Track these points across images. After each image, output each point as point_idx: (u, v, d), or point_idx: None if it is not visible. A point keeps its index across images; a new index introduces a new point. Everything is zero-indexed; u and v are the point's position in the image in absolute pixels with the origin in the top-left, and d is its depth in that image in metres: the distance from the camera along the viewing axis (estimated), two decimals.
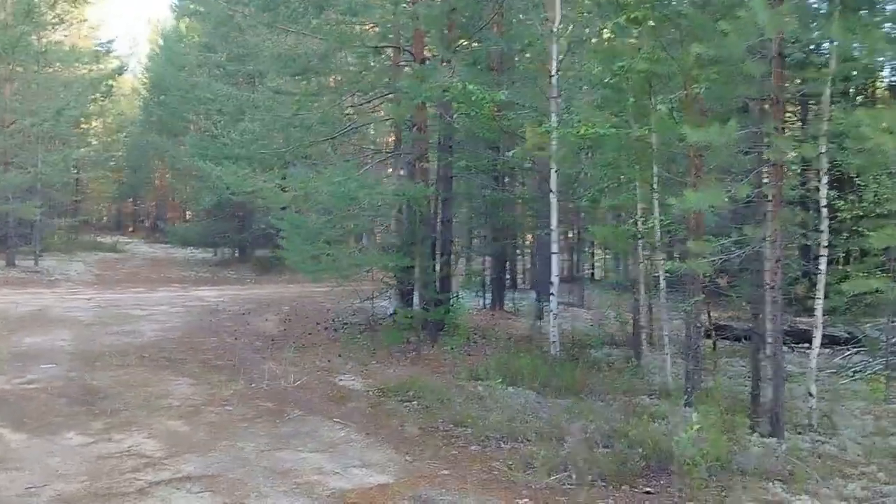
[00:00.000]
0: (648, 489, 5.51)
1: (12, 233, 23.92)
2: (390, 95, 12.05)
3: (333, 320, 13.86)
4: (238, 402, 8.00)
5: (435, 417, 7.49)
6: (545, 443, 6.38)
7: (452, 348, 10.85)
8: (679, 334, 9.51)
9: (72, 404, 7.65)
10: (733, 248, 6.83)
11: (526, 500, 5.29)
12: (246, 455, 6.14)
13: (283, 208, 11.97)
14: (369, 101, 12.73)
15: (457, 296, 13.02)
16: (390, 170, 14.22)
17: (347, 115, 12.38)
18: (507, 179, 16.47)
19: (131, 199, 52.94)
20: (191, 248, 34.84)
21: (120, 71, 33.73)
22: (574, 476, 5.64)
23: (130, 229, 52.98)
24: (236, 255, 32.45)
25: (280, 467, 5.86)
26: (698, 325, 8.71)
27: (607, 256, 22.57)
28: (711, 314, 8.78)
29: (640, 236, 8.63)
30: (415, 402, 8.15)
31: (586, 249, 21.84)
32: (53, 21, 25.18)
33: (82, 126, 36.00)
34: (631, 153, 8.18)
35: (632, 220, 9.10)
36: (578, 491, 5.44)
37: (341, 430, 7.03)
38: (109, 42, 42.09)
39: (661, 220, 8.17)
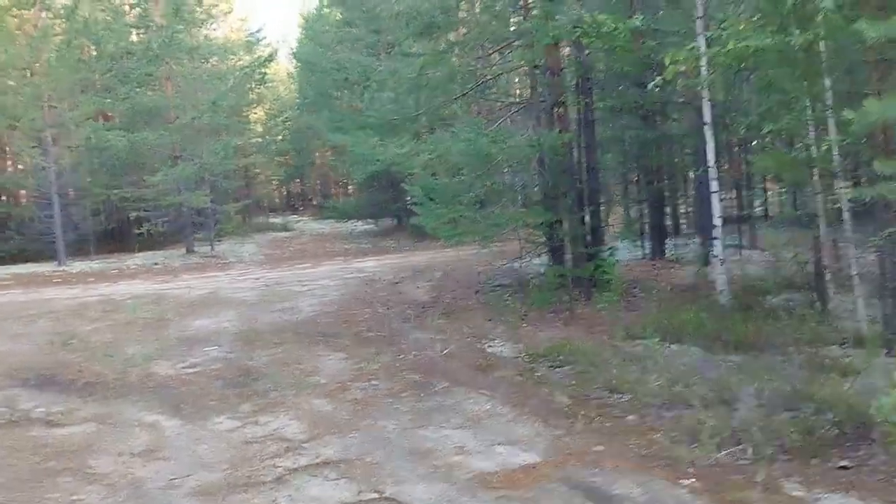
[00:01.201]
0: (844, 463, 4.62)
1: (188, 221, 25.69)
2: (518, 42, 11.32)
3: (484, 283, 13.50)
4: (384, 375, 7.82)
5: (588, 384, 6.89)
6: (714, 409, 5.60)
7: (607, 305, 10.10)
8: (872, 272, 8.18)
9: (226, 387, 7.79)
10: None
11: (692, 480, 4.60)
12: (387, 435, 5.89)
13: (411, 174, 11.63)
14: (499, 51, 12.04)
15: (610, 249, 12.17)
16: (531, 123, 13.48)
17: (476, 69, 11.77)
18: (657, 118, 15.17)
19: (298, 180, 55.77)
20: (355, 221, 36.05)
21: (271, 58, 34.78)
22: (750, 450, 4.85)
23: (301, 208, 55.97)
24: (394, 224, 33.12)
25: (420, 447, 5.54)
26: (894, 259, 7.41)
27: (781, 190, 20.47)
28: None
29: (814, 163, 7.41)
30: (566, 368, 7.58)
31: (756, 185, 19.87)
32: (202, 17, 26.45)
33: (243, 114, 37.99)
34: (795, 66, 6.98)
35: (801, 145, 7.85)
36: (756, 467, 4.66)
37: (487, 403, 6.61)
38: (258, 31, 43.94)
39: (840, 140, 6.93)
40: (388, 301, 13.03)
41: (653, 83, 7.49)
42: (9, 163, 29.76)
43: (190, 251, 25.90)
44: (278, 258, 25.67)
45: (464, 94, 11.92)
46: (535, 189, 12.43)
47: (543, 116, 11.39)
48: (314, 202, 54.68)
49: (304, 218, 47.61)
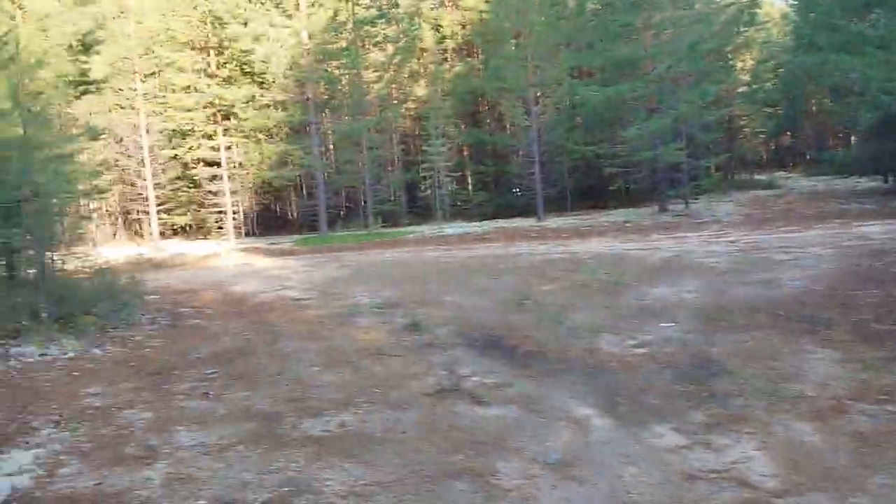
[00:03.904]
0: None
1: (662, 178, 24.46)
2: None
3: None
4: None
5: None
6: None
7: None
8: None
9: (676, 380, 6.26)
10: None
11: None
12: None
13: None
14: None
15: None
16: None
17: None
18: None
19: (789, 132, 50.73)
20: (857, 177, 30.61)
21: None
22: None
23: (790, 164, 50.84)
24: None
25: None
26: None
27: None
28: None
29: None
30: None
31: None
32: None
33: (728, 61, 35.29)
34: None
35: None
36: None
37: None
38: None
39: None
40: None
41: None
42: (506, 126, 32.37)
43: (662, 209, 24.73)
44: (759, 219, 22.77)
45: None
46: None
47: None
48: (807, 156, 49.10)
49: (794, 174, 42.78)
